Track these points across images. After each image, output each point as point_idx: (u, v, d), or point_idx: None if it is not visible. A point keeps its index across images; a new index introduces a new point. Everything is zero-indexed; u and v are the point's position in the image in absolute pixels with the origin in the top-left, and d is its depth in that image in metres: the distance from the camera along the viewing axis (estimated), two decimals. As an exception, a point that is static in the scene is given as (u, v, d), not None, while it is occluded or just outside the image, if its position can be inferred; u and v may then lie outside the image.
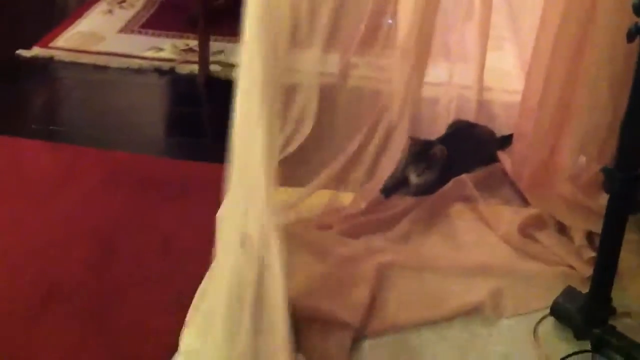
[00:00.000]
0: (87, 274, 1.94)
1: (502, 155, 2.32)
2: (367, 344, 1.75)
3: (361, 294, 1.85)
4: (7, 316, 1.82)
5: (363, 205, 2.07)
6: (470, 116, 2.48)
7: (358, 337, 1.75)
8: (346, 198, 2.12)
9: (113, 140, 2.53)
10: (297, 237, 1.92)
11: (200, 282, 1.82)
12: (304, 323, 1.73)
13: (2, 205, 2.20)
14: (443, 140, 2.31)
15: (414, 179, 2.22)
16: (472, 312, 1.82)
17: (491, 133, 2.41)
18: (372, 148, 2.14)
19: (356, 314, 1.78)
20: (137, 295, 1.84)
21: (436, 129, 2.41)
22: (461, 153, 2.27)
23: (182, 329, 1.72)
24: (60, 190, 2.26)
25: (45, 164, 2.40)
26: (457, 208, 2.15)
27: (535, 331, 1.78)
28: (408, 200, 2.17)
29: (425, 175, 2.21)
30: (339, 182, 2.11)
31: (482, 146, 2.36)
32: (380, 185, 2.13)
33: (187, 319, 1.74)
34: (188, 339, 1.70)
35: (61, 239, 2.06)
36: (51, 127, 2.66)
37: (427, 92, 2.44)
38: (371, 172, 2.13)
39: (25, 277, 1.94)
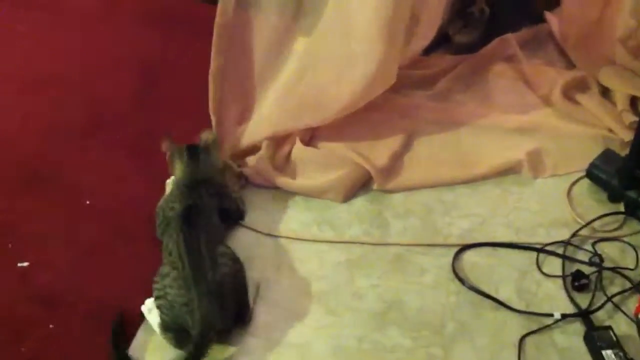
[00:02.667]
0: (131, 103, 2.00)
1: (549, 15, 2.24)
2: (401, 195, 1.78)
3: (395, 145, 1.86)
4: (59, 136, 1.91)
5: (404, 61, 2.03)
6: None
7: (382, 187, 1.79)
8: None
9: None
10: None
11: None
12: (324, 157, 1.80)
13: (45, 38, 2.25)
14: (486, -3, 2.22)
15: (453, 37, 2.16)
16: (508, 171, 1.83)
17: None
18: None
19: (384, 163, 1.81)
20: (180, 127, 1.85)
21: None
22: (506, 10, 2.19)
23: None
24: (103, 23, 2.30)
25: (85, 3, 2.39)
26: (499, 67, 2.11)
27: (569, 192, 1.79)
28: (449, 59, 2.13)
29: (465, 33, 2.15)
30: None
31: (529, 3, 2.27)
32: (422, 42, 2.07)
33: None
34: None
35: (107, 68, 2.13)
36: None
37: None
38: (412, 27, 2.07)
39: (70, 106, 2.00)
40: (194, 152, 1.62)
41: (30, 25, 2.29)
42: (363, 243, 1.68)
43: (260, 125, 1.84)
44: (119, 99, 2.02)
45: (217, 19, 1.80)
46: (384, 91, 1.94)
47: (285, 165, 1.82)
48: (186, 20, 2.29)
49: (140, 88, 2.05)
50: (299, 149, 1.83)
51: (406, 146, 1.89)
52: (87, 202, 1.74)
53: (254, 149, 1.83)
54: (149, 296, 1.50)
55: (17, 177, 1.80)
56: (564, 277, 1.61)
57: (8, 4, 2.37)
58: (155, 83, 2.07)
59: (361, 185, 1.80)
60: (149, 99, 2.02)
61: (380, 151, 1.84)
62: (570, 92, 2.01)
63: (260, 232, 1.69)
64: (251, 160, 1.81)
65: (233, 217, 1.69)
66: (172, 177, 1.67)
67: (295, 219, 1.73)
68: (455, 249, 1.67)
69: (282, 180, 1.78)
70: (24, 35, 2.25)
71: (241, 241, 1.66)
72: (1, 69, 2.11)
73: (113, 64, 2.14)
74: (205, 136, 1.67)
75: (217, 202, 1.63)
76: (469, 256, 1.66)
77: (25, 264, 1.60)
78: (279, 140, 1.85)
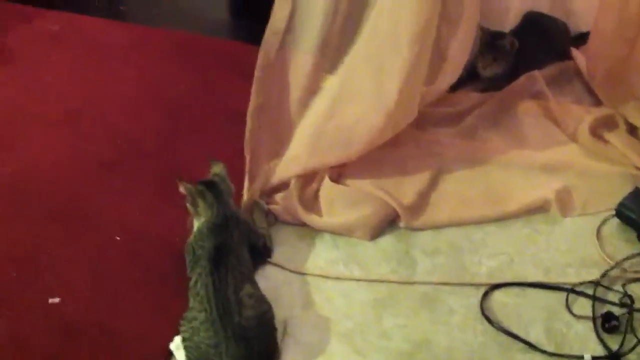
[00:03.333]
0: (156, 140, 2.02)
1: (576, 52, 2.24)
2: (428, 233, 1.78)
3: (422, 182, 1.87)
4: (86, 170, 1.93)
5: (430, 98, 2.04)
6: (544, 11, 2.37)
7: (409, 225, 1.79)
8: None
9: (178, 20, 2.53)
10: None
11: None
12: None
13: (72, 74, 2.27)
14: (515, 32, 2.23)
15: (482, 71, 2.17)
16: (536, 210, 1.83)
17: (565, 27, 2.31)
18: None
19: (411, 200, 1.82)
20: (203, 162, 1.85)
21: (508, 22, 2.33)
22: (533, 46, 2.20)
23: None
24: (130, 58, 2.33)
25: (114, 40, 2.43)
26: (526, 104, 2.12)
27: (598, 231, 1.78)
28: (475, 96, 2.14)
29: (493, 67, 2.16)
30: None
31: (556, 40, 2.28)
32: (449, 79, 2.08)
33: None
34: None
35: (133, 103, 2.15)
36: (115, 6, 2.67)
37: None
38: (439, 63, 2.08)
39: (95, 141, 2.03)
40: (215, 188, 1.63)
41: (59, 60, 2.32)
42: (390, 282, 1.68)
43: (290, 163, 1.86)
44: (145, 135, 2.04)
45: (260, 60, 1.82)
46: (411, 128, 1.96)
47: (313, 202, 1.83)
48: (216, 59, 2.32)
49: (166, 124, 2.08)
50: (327, 186, 1.84)
51: (433, 184, 1.89)
52: (118, 238, 1.75)
53: (283, 186, 1.84)
54: (174, 332, 1.50)
55: (45, 210, 1.82)
56: (594, 318, 1.59)
57: (38, 39, 2.41)
58: (180, 119, 2.09)
59: (388, 223, 1.80)
60: (173, 135, 2.04)
61: (407, 189, 1.85)
62: (598, 129, 2.01)
63: (287, 269, 1.70)
64: (280, 197, 1.82)
65: (261, 254, 1.70)
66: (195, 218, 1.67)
67: (322, 256, 1.73)
68: (483, 289, 1.66)
69: (310, 218, 1.78)
70: (53, 69, 2.28)
71: (269, 278, 1.67)
72: (30, 102, 2.15)
73: (139, 99, 2.17)
74: (218, 168, 1.69)
75: (246, 239, 1.64)
76: (497, 296, 1.65)
77: (57, 299, 1.62)
78: (308, 178, 1.86)
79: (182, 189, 1.63)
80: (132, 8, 2.68)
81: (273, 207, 1.80)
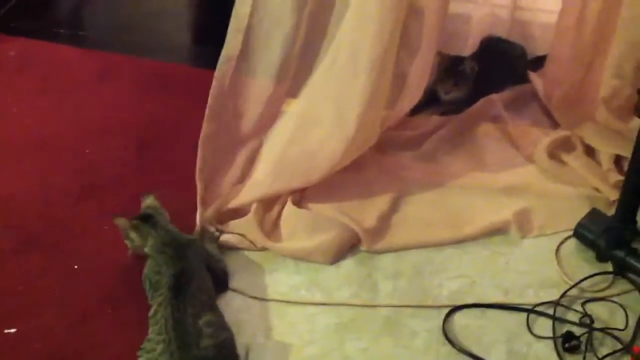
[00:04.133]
0: (125, 167, 2.01)
1: (533, 76, 2.28)
2: (390, 256, 1.79)
3: (383, 205, 1.88)
4: (53, 199, 1.91)
5: (390, 122, 2.06)
6: (503, 36, 2.42)
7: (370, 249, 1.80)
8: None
9: (141, 47, 2.53)
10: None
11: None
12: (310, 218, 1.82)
13: (37, 103, 2.26)
14: (474, 57, 2.27)
15: (443, 96, 2.20)
16: (496, 232, 1.84)
17: (523, 51, 2.36)
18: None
19: (372, 224, 1.82)
20: (171, 193, 1.84)
21: (467, 47, 2.36)
22: (491, 70, 2.23)
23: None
24: (93, 92, 2.31)
25: (77, 68, 2.41)
26: (485, 127, 2.14)
27: (557, 252, 1.80)
28: (435, 120, 2.16)
29: (455, 92, 2.19)
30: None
31: (514, 64, 2.32)
32: (408, 103, 2.10)
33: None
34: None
35: (101, 132, 2.14)
36: (79, 32, 2.66)
37: (458, 8, 2.39)
38: (399, 88, 2.10)
39: (63, 170, 2.01)
40: (150, 219, 1.65)
41: (24, 88, 2.30)
42: (352, 305, 1.67)
43: (253, 187, 1.86)
44: (113, 164, 2.03)
45: (214, 87, 1.83)
46: (373, 152, 1.97)
47: (274, 227, 1.83)
48: (181, 86, 2.31)
49: (134, 153, 2.06)
50: (289, 211, 1.83)
51: (394, 207, 1.89)
52: (76, 267, 1.73)
53: (239, 213, 1.83)
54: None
55: (10, 239, 1.79)
56: (554, 338, 1.60)
57: (3, 68, 2.39)
58: (149, 148, 2.08)
59: (350, 246, 1.80)
60: (142, 164, 2.03)
61: (368, 212, 1.85)
62: (556, 151, 2.04)
63: (248, 295, 1.68)
64: (235, 224, 1.81)
65: (221, 278, 1.69)
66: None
67: (283, 282, 1.72)
68: (445, 311, 1.66)
69: (271, 244, 1.78)
70: (18, 98, 2.26)
71: (230, 305, 1.65)
72: (-3, 131, 2.12)
73: (107, 128, 2.15)
74: (149, 200, 1.71)
75: (204, 263, 1.63)
76: (459, 318, 1.66)
77: (12, 330, 1.59)
78: (269, 202, 1.86)
79: (118, 224, 1.65)
80: (92, 34, 2.67)
81: (226, 235, 1.79)
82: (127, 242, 1.67)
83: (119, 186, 1.95)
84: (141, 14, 2.77)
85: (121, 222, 1.65)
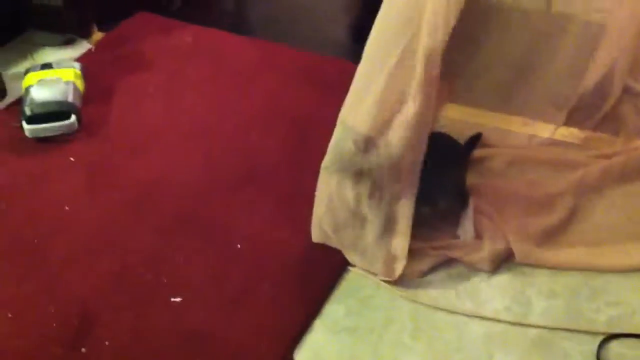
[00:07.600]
0: (282, 156, 2.07)
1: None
2: (545, 272, 1.75)
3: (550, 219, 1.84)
4: (214, 183, 2.00)
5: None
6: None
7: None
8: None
9: (299, 39, 2.61)
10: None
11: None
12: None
13: (205, 88, 2.36)
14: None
15: None
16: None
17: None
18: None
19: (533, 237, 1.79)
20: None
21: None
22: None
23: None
24: (256, 79, 2.38)
25: (241, 55, 2.50)
26: None
27: None
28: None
29: None
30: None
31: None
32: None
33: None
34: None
35: (261, 121, 2.21)
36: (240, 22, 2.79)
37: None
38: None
39: (230, 151, 2.10)
40: None
41: (193, 72, 2.42)
42: (503, 321, 1.65)
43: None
44: (271, 153, 2.10)
45: None
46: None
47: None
48: (336, 77, 2.34)
49: (292, 143, 2.12)
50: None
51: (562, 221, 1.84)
52: (238, 246, 1.80)
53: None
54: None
55: (174, 216, 1.89)
56: None
57: (174, 50, 2.53)
58: (306, 139, 2.13)
59: (506, 257, 1.77)
60: (299, 154, 2.08)
61: (532, 224, 1.82)
62: None
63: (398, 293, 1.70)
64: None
65: None
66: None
67: (435, 284, 1.73)
68: (600, 337, 1.60)
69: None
70: (188, 81, 2.38)
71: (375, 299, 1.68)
72: (164, 118, 2.24)
73: (267, 118, 2.22)
74: None
75: None
76: (615, 346, 1.59)
77: (178, 299, 1.68)
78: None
79: None
80: (257, 25, 2.78)
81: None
82: None
83: (275, 174, 2.02)
84: (299, 6, 2.87)
85: None
